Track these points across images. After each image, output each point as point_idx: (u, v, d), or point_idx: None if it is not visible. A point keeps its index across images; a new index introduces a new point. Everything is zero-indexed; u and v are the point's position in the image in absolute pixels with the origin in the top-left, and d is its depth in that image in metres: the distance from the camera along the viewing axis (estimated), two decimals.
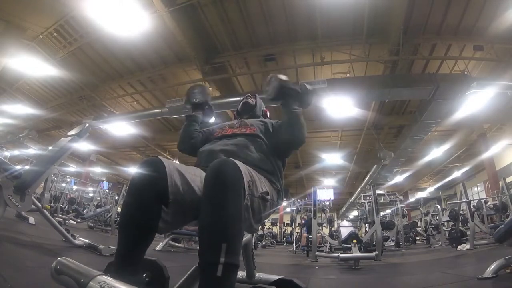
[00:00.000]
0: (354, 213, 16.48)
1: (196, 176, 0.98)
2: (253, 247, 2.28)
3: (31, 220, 3.65)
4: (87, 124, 3.00)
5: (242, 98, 1.66)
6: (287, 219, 13.06)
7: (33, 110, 8.74)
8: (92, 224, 6.26)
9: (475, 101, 5.80)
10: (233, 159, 0.86)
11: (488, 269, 1.86)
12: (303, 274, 3.03)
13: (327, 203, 7.87)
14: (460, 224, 5.94)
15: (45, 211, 2.64)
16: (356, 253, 3.64)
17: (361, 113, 7.13)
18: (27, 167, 2.85)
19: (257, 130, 1.32)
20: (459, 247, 4.77)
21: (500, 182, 6.67)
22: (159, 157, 0.95)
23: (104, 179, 16.14)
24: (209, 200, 0.78)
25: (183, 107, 6.23)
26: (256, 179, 0.98)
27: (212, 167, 0.82)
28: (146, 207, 0.87)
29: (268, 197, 1.02)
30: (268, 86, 1.32)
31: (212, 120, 1.59)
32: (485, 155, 9.56)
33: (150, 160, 0.94)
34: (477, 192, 13.05)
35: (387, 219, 8.78)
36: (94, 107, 8.70)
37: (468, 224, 5.06)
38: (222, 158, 0.87)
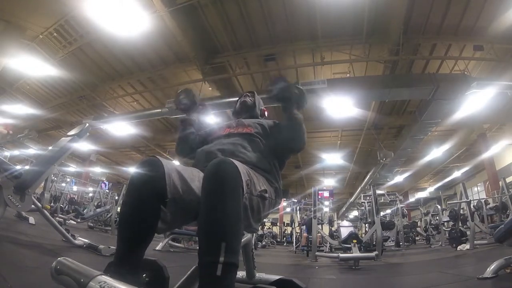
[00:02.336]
0: (354, 213, 16.47)
1: (194, 176, 0.98)
2: (253, 247, 2.28)
3: (31, 220, 3.64)
4: (87, 124, 2.99)
5: (239, 96, 1.65)
6: (287, 219, 13.07)
7: (33, 110, 8.73)
8: (92, 224, 6.26)
9: (475, 101, 5.80)
10: (231, 159, 0.86)
11: (488, 269, 1.86)
12: (303, 274, 3.02)
13: (327, 203, 7.88)
14: (460, 224, 5.94)
15: (45, 211, 2.64)
16: (356, 253, 3.64)
17: (361, 113, 7.13)
18: (27, 167, 2.84)
19: (253, 129, 1.32)
20: (459, 247, 4.77)
21: (500, 182, 6.66)
22: (158, 157, 0.95)
23: (104, 179, 16.14)
24: (208, 200, 0.78)
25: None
26: (254, 178, 0.98)
27: (210, 167, 0.82)
28: (145, 207, 0.87)
29: (267, 195, 1.02)
30: (272, 85, 1.34)
31: (207, 117, 1.54)
32: (485, 155, 9.57)
33: (148, 160, 0.94)
34: (477, 192, 13.05)
35: (387, 219, 8.78)
36: (94, 107, 8.70)
37: (468, 223, 5.06)
38: (220, 158, 0.87)
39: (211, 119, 5.84)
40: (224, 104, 6.31)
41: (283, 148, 1.29)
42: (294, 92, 1.28)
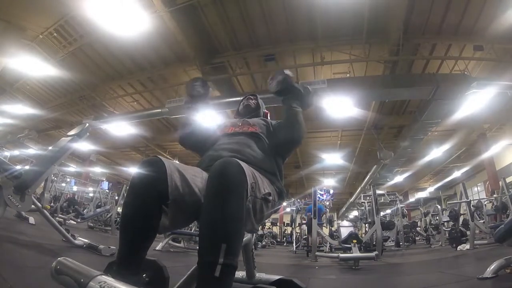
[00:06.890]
0: (354, 213, 16.47)
1: (196, 177, 0.97)
2: (253, 247, 2.28)
3: (31, 220, 3.65)
4: (87, 124, 2.99)
5: (242, 98, 1.66)
6: (287, 219, 13.06)
7: (33, 110, 8.73)
8: (92, 224, 6.26)
9: (475, 101, 5.80)
10: (237, 160, 0.85)
11: (488, 269, 1.86)
12: (303, 274, 3.02)
13: (327, 203, 7.88)
14: (461, 224, 5.94)
15: (45, 211, 2.64)
16: (356, 253, 3.64)
17: (361, 113, 7.12)
18: (27, 167, 2.84)
19: (258, 129, 1.33)
20: (459, 247, 4.76)
21: (500, 182, 6.66)
22: (159, 157, 0.94)
23: (104, 179, 16.14)
24: (211, 200, 0.77)
25: (184, 106, 6.20)
26: (259, 180, 0.97)
27: (215, 167, 0.81)
28: (147, 207, 0.87)
29: (270, 198, 1.02)
30: (273, 80, 1.36)
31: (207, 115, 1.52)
32: (485, 155, 9.57)
33: (150, 160, 0.93)
34: (477, 192, 13.04)
35: (387, 219, 8.79)
36: (94, 107, 8.70)
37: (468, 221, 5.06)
38: (226, 158, 0.86)
39: (212, 119, 5.86)
40: (224, 104, 6.31)
41: (283, 143, 1.29)
42: (294, 86, 1.30)
